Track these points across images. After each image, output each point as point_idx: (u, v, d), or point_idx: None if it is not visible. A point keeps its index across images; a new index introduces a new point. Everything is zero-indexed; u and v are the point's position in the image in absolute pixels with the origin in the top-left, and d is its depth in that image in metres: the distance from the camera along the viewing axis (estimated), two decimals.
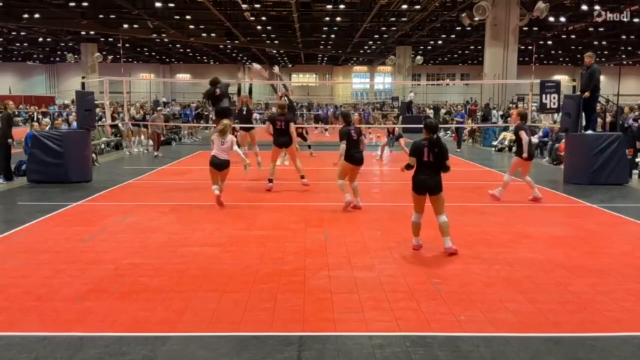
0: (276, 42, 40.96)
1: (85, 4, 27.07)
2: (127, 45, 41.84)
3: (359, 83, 60.99)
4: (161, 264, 5.74)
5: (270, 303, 4.64)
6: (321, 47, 44.83)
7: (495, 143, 19.10)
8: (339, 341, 3.96)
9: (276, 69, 15.32)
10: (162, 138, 18.48)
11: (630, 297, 4.85)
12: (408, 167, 6.25)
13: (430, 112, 33.28)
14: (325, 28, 34.82)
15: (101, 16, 30.55)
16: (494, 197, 9.31)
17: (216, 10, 26.59)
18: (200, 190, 10.43)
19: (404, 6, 26.58)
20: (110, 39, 38.66)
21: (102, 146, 17.15)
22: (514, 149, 17.55)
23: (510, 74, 22.19)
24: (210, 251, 6.24)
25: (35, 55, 52.67)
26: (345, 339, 4.00)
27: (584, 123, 11.47)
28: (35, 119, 27.56)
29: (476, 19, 21.85)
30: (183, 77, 55.76)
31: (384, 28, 34.02)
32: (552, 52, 46.50)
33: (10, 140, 11.25)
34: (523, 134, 9.06)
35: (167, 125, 21.11)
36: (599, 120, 12.93)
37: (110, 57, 41.80)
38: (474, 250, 6.29)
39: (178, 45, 44.98)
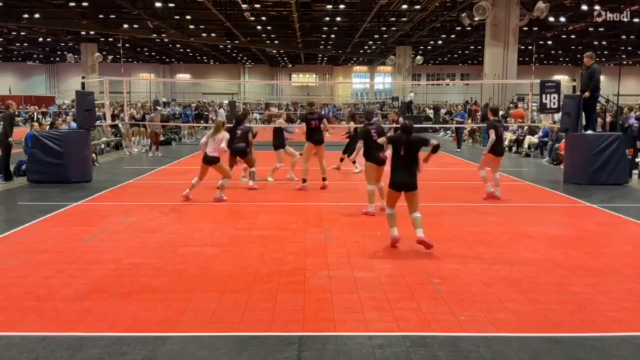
0: (276, 42, 40.94)
1: (85, 4, 27.05)
2: (127, 45, 41.82)
3: (359, 83, 60.95)
4: (161, 264, 5.74)
5: (270, 303, 4.64)
6: (321, 47, 44.80)
7: None
8: (339, 341, 3.95)
9: None
10: (162, 138, 18.49)
11: (630, 297, 4.85)
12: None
13: (430, 112, 33.28)
14: (325, 28, 34.81)
15: (101, 16, 30.53)
16: (490, 196, 9.29)
17: (216, 10, 26.57)
18: (200, 190, 10.43)
19: (404, 6, 26.56)
20: (110, 39, 38.64)
21: (102, 146, 17.15)
22: (513, 149, 17.74)
23: (510, 74, 22.17)
24: (210, 251, 6.24)
25: (35, 55, 52.65)
26: (345, 339, 3.99)
27: (584, 123, 11.47)
28: (35, 119, 27.61)
29: (476, 19, 21.84)
30: (183, 77, 55.78)
31: (384, 28, 33.99)
32: (552, 52, 46.47)
33: (11, 140, 11.26)
34: (492, 133, 9.13)
35: (167, 125, 21.13)
36: (599, 120, 12.92)
37: (110, 57, 41.78)
38: (474, 250, 6.30)
39: (178, 45, 44.96)
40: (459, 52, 47.90)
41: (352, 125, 12.38)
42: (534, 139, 16.65)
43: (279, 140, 11.41)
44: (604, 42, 39.26)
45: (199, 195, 9.73)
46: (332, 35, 37.54)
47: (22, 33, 36.94)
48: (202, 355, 3.75)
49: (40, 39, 40.43)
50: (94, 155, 13.31)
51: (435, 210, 8.50)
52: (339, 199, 9.41)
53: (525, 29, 28.56)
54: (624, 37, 36.07)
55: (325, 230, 7.20)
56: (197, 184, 9.18)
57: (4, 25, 32.54)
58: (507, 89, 24.79)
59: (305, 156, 10.11)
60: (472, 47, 42.11)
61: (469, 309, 4.56)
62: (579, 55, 42.54)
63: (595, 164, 10.90)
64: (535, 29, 31.95)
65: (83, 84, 12.74)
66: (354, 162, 12.50)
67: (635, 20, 24.95)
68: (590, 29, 32.86)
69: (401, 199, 6.36)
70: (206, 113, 29.20)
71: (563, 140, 12.98)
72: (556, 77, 28.42)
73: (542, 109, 13.37)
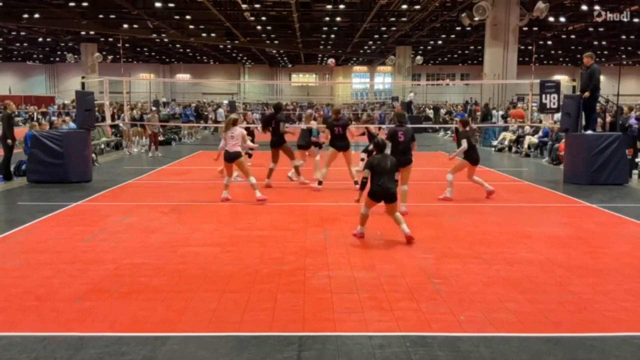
0: (276, 42, 40.93)
1: (85, 4, 27.04)
2: (127, 45, 41.83)
3: (359, 83, 60.96)
4: (161, 264, 5.74)
5: (270, 303, 4.64)
6: (321, 47, 44.79)
7: (495, 143, 19.11)
8: (339, 341, 3.96)
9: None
10: (161, 138, 18.48)
11: (630, 297, 4.85)
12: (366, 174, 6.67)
13: (430, 113, 33.28)
14: (325, 28, 34.80)
15: (101, 16, 30.51)
16: (446, 199, 9.29)
17: (216, 10, 26.57)
18: (200, 190, 10.44)
19: (404, 6, 26.56)
20: (110, 39, 38.63)
21: (102, 146, 17.15)
22: (513, 149, 17.75)
23: (510, 74, 22.17)
24: (210, 251, 6.24)
25: (35, 55, 52.64)
26: (345, 339, 4.00)
27: (583, 123, 11.47)
28: (35, 119, 27.61)
29: (476, 19, 21.84)
30: (183, 77, 55.78)
31: (384, 28, 33.99)
32: (552, 52, 46.47)
33: (9, 142, 11.26)
34: (464, 142, 9.22)
35: (166, 125, 21.12)
36: (599, 120, 12.92)
37: (110, 57, 41.75)
38: (473, 250, 6.30)
39: (178, 45, 44.96)
40: (459, 52, 47.90)
41: (371, 126, 12.34)
42: (534, 139, 16.65)
43: (305, 141, 11.46)
44: (604, 42, 39.26)
45: (199, 195, 9.74)
46: (332, 35, 37.55)
47: (22, 33, 36.94)
48: (202, 355, 3.75)
49: (40, 39, 40.42)
50: (94, 155, 13.31)
51: (436, 210, 8.51)
52: (339, 199, 9.41)
53: (525, 29, 28.57)
54: (624, 37, 36.07)
55: (325, 230, 7.20)
56: (229, 182, 9.23)
57: (4, 25, 32.54)
58: (507, 89, 24.80)
59: (327, 160, 10.24)
60: (472, 47, 42.10)
61: (468, 309, 4.56)
62: (579, 55, 42.51)
63: (595, 164, 10.90)
64: (535, 29, 31.95)
65: (83, 84, 12.74)
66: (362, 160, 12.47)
67: (635, 20, 24.94)
68: (590, 29, 32.86)
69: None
70: (206, 113, 29.18)
71: (563, 140, 12.98)
72: (556, 77, 28.44)
73: (542, 109, 13.37)
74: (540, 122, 16.81)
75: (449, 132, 24.26)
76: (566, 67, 53.27)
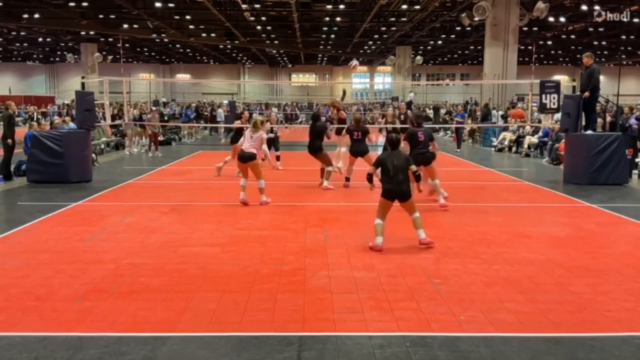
0: (276, 42, 40.93)
1: (85, 4, 27.05)
2: (127, 45, 41.82)
3: (359, 83, 60.93)
4: (161, 264, 5.74)
5: (270, 303, 4.64)
6: (321, 47, 44.79)
7: (495, 143, 19.12)
8: (339, 341, 3.95)
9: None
10: (161, 138, 18.48)
11: (630, 297, 4.85)
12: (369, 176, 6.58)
13: (430, 113, 33.26)
14: (325, 28, 34.81)
15: (101, 16, 30.53)
16: (445, 205, 8.91)
17: (216, 10, 26.57)
18: (200, 190, 10.44)
19: (404, 6, 26.57)
20: (110, 39, 38.64)
21: (102, 146, 17.15)
22: (513, 149, 17.74)
23: (510, 74, 22.18)
24: (210, 251, 6.24)
25: (35, 55, 52.65)
26: (345, 339, 3.99)
27: (583, 123, 11.47)
28: (35, 119, 27.59)
29: (476, 19, 21.85)
30: (183, 77, 55.77)
31: (383, 28, 33.99)
32: (552, 52, 46.47)
33: (9, 141, 11.26)
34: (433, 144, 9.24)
35: (166, 125, 21.12)
36: (599, 120, 12.92)
37: (110, 57, 41.75)
38: (474, 250, 6.30)
39: (178, 45, 44.96)
40: (459, 52, 47.90)
41: (389, 126, 12.47)
42: (534, 139, 16.65)
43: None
44: (604, 42, 39.27)
45: (199, 196, 9.74)
46: (332, 35, 37.55)
47: (22, 33, 36.95)
48: (202, 355, 3.75)
49: (40, 39, 40.43)
50: (93, 155, 13.30)
51: (436, 210, 8.50)
52: (339, 199, 9.41)
53: (525, 29, 28.57)
54: (624, 37, 36.07)
55: (325, 230, 7.20)
56: (246, 184, 9.02)
57: (4, 25, 32.55)
58: (507, 89, 24.80)
59: (345, 162, 10.82)
60: (472, 47, 42.12)
61: (468, 309, 4.56)
62: (578, 55, 42.48)
63: (595, 164, 10.90)
64: (535, 29, 31.95)
65: (83, 84, 12.73)
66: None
67: (635, 20, 24.95)
68: (590, 29, 32.86)
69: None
70: (206, 113, 29.18)
71: (563, 141, 12.98)
72: (556, 77, 28.44)
73: (542, 109, 13.37)
74: (540, 122, 16.79)
75: (449, 132, 24.26)
76: (566, 67, 53.28)
